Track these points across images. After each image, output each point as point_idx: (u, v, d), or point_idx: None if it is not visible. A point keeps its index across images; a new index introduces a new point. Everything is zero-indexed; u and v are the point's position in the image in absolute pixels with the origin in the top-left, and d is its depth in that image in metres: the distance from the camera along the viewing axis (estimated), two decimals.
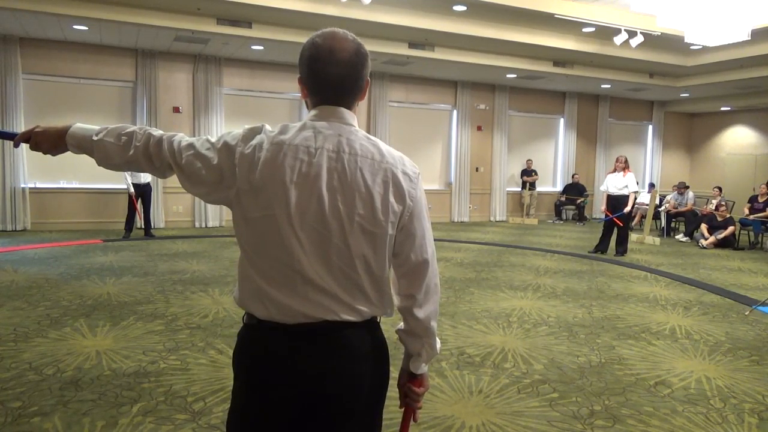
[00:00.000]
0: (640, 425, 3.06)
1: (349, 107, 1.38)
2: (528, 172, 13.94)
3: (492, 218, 13.95)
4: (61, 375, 3.49)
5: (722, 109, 15.45)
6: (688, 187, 12.16)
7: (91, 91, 10.26)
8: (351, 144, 1.33)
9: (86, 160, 1.48)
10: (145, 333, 4.37)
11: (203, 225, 11.04)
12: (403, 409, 1.53)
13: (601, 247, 9.02)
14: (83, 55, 10.07)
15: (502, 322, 4.97)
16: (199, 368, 3.67)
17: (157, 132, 1.42)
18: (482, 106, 13.67)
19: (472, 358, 4.03)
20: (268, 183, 1.28)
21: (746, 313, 5.47)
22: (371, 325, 1.40)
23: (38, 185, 9.98)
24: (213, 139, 1.37)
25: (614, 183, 8.82)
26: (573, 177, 14.39)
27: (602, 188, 9.16)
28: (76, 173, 10.05)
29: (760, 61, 10.59)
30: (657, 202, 11.91)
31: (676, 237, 11.47)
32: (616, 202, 8.81)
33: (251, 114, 11.31)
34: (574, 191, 14.19)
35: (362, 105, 11.63)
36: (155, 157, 1.40)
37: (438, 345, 1.48)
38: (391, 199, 1.33)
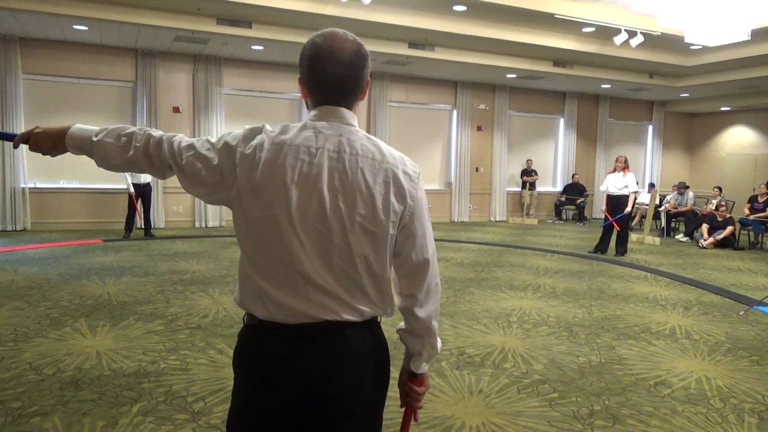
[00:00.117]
0: (640, 425, 3.06)
1: (350, 107, 1.38)
2: (528, 172, 13.94)
3: (492, 218, 13.95)
4: (61, 375, 3.49)
5: (722, 109, 15.45)
6: (688, 187, 12.16)
7: (91, 91, 10.26)
8: (352, 144, 1.33)
9: (86, 161, 1.48)
10: (145, 333, 4.37)
11: (203, 225, 11.04)
12: (403, 409, 1.53)
13: (601, 247, 9.02)
14: (83, 55, 10.07)
15: (502, 322, 4.97)
16: (199, 368, 3.67)
17: (156, 133, 1.42)
18: (482, 106, 13.67)
19: (472, 358, 4.03)
20: (269, 183, 1.28)
21: (741, 313, 5.48)
22: (372, 325, 1.40)
23: (38, 185, 9.99)
24: (213, 140, 1.37)
25: (614, 183, 8.82)
26: (573, 177, 14.39)
27: (602, 188, 9.16)
28: (76, 173, 10.05)
29: (760, 61, 10.59)
30: (657, 202, 11.91)
31: (676, 237, 11.47)
32: (616, 202, 8.81)
33: (251, 114, 11.31)
34: (574, 191, 14.19)
35: (362, 105, 11.63)
36: (155, 157, 1.40)
37: (439, 344, 1.48)
38: (392, 198, 1.33)
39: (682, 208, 11.77)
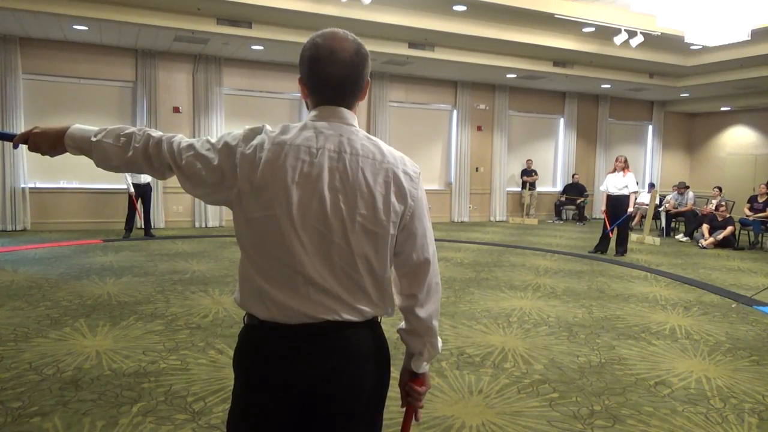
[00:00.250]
0: (640, 425, 3.06)
1: (350, 107, 1.38)
2: (528, 172, 13.94)
3: (492, 218, 13.94)
4: (61, 375, 3.49)
5: (722, 109, 15.45)
6: (688, 187, 12.16)
7: (91, 91, 10.26)
8: (352, 144, 1.33)
9: (86, 161, 1.48)
10: (145, 333, 4.37)
11: (203, 225, 11.04)
12: (404, 409, 1.53)
13: (601, 247, 9.02)
14: (83, 55, 10.07)
15: (502, 322, 4.97)
16: (199, 368, 3.67)
17: (156, 133, 1.42)
18: (482, 106, 13.67)
19: (472, 358, 4.03)
20: (270, 183, 1.28)
21: (733, 306, 5.50)
22: (372, 325, 1.40)
23: (38, 185, 9.98)
24: (213, 140, 1.36)
25: (614, 183, 8.82)
26: (573, 177, 14.39)
27: (602, 188, 9.16)
28: (76, 173, 10.05)
29: (760, 61, 10.59)
30: (657, 202, 11.91)
31: (676, 237, 11.47)
32: (616, 202, 8.81)
33: (251, 114, 11.31)
34: (574, 191, 14.19)
35: (362, 105, 11.63)
36: (154, 158, 1.39)
37: (439, 344, 1.48)
38: (393, 198, 1.33)
39: (682, 208, 11.77)
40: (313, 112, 1.37)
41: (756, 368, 4.01)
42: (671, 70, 12.04)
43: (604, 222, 8.95)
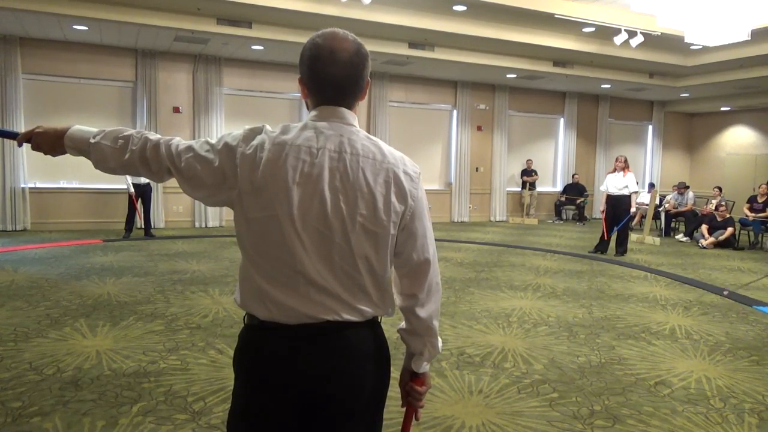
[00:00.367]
0: (640, 425, 3.06)
1: (350, 107, 1.38)
2: (528, 172, 13.94)
3: (492, 218, 13.94)
4: (61, 375, 3.49)
5: (722, 109, 15.45)
6: (688, 187, 12.16)
7: (91, 91, 10.26)
8: (353, 144, 1.33)
9: (86, 161, 1.48)
10: (145, 333, 4.37)
11: (203, 225, 11.04)
12: (404, 409, 1.53)
13: (601, 247, 9.02)
14: (83, 55, 10.07)
15: (502, 322, 4.97)
16: (199, 368, 3.67)
17: (154, 136, 1.41)
18: (482, 106, 13.67)
19: (472, 358, 4.03)
20: (270, 183, 1.28)
21: (725, 293, 5.52)
22: (372, 325, 1.40)
23: (38, 185, 9.98)
24: (212, 141, 1.36)
25: (614, 183, 8.82)
26: (573, 177, 14.39)
27: (602, 188, 9.16)
28: (76, 173, 10.05)
29: (760, 61, 10.59)
30: (657, 202, 11.91)
31: (676, 237, 11.47)
32: (616, 203, 8.81)
33: (251, 114, 11.31)
34: (574, 191, 14.19)
35: (362, 105, 11.63)
36: (152, 161, 1.39)
37: (440, 344, 1.48)
38: (393, 198, 1.33)
39: (682, 208, 11.77)
40: (313, 112, 1.37)
41: (756, 368, 4.01)
42: (671, 70, 12.04)
43: (603, 233, 8.94)
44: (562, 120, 14.84)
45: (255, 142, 1.31)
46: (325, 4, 8.28)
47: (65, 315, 4.77)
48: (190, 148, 1.36)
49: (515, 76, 12.28)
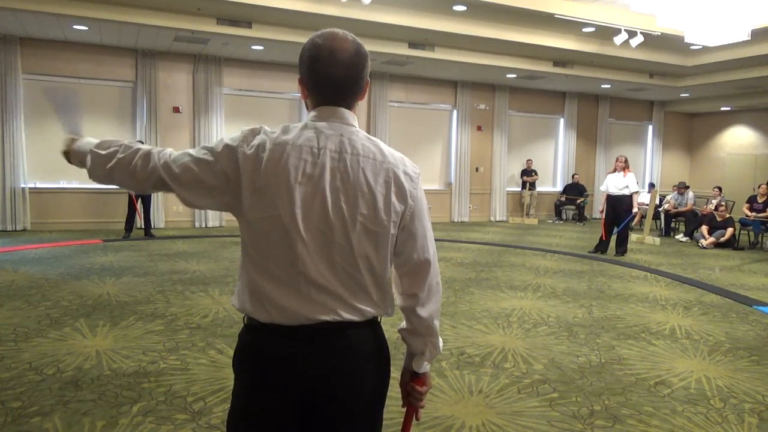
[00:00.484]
0: (640, 425, 3.06)
1: (350, 107, 1.39)
2: (528, 172, 13.94)
3: (492, 218, 13.94)
4: (61, 375, 3.49)
5: (722, 109, 15.45)
6: (688, 187, 12.16)
7: (91, 91, 10.24)
8: (353, 144, 1.33)
9: None
10: (145, 333, 4.37)
11: (203, 225, 11.04)
12: (404, 409, 1.53)
13: (601, 247, 9.02)
14: (83, 55, 10.07)
15: (502, 322, 4.97)
16: (199, 368, 3.67)
17: (146, 146, 1.41)
18: (482, 106, 13.67)
19: (472, 358, 4.03)
20: (272, 183, 1.28)
21: (716, 276, 5.58)
22: (373, 325, 1.40)
23: (38, 185, 9.98)
24: (210, 145, 1.35)
25: (614, 183, 8.82)
26: (573, 177, 14.39)
27: (602, 188, 9.16)
28: (76, 173, 10.00)
29: (760, 61, 10.59)
30: (657, 202, 11.91)
31: (676, 237, 11.47)
32: (616, 203, 8.81)
33: (251, 114, 11.31)
34: (574, 191, 14.19)
35: (362, 105, 11.64)
36: (140, 169, 1.36)
37: (440, 343, 1.49)
38: (393, 198, 1.33)
39: (682, 208, 11.77)
40: (313, 113, 1.37)
41: (756, 368, 4.01)
42: (671, 70, 12.04)
43: (602, 235, 8.94)
44: (562, 120, 14.84)
45: (255, 142, 1.31)
46: (325, 4, 8.28)
47: (65, 315, 4.77)
48: (185, 154, 1.35)
49: (515, 76, 12.27)
